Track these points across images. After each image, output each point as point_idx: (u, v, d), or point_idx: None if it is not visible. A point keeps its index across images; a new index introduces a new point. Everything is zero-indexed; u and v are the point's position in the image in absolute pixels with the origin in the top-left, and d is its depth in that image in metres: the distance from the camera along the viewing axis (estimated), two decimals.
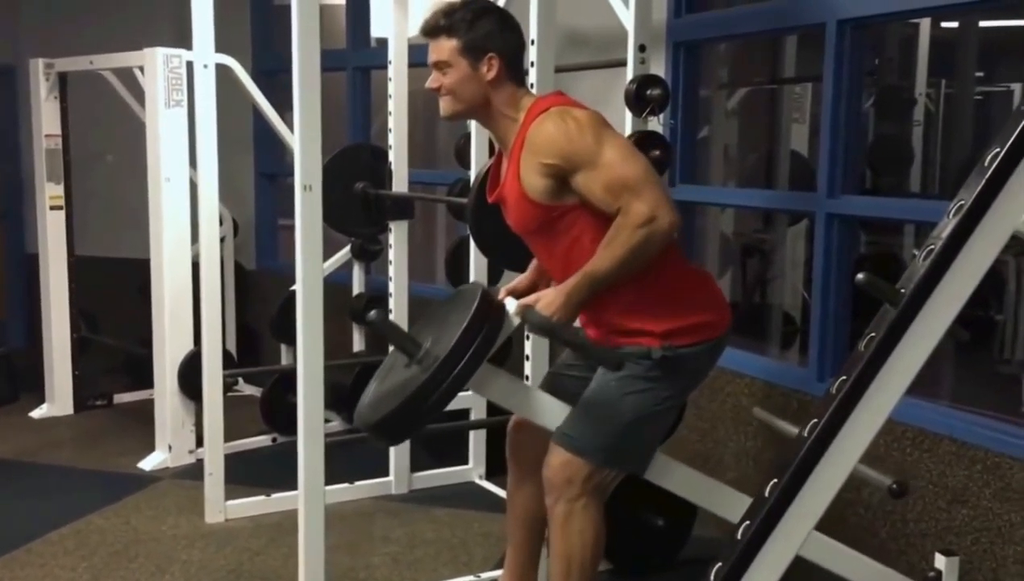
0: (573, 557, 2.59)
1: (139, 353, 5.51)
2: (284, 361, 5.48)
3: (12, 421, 5.54)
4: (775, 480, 1.83)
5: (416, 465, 4.52)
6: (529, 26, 3.34)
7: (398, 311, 4.51)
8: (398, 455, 4.45)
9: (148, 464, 4.79)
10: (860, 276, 1.83)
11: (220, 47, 4.21)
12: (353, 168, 4.60)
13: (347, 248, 5.33)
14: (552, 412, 2.62)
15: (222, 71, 4.53)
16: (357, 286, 5.44)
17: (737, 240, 6.16)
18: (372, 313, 2.46)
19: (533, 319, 2.44)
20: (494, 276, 4.40)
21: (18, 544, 3.88)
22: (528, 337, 3.27)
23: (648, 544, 3.61)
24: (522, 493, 2.91)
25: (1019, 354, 5.76)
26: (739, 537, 1.83)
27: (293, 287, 2.93)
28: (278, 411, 5.03)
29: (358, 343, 5.50)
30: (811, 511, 1.83)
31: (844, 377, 1.85)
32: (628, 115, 3.51)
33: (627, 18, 3.56)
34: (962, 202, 1.81)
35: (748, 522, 1.84)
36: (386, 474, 4.47)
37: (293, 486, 3.09)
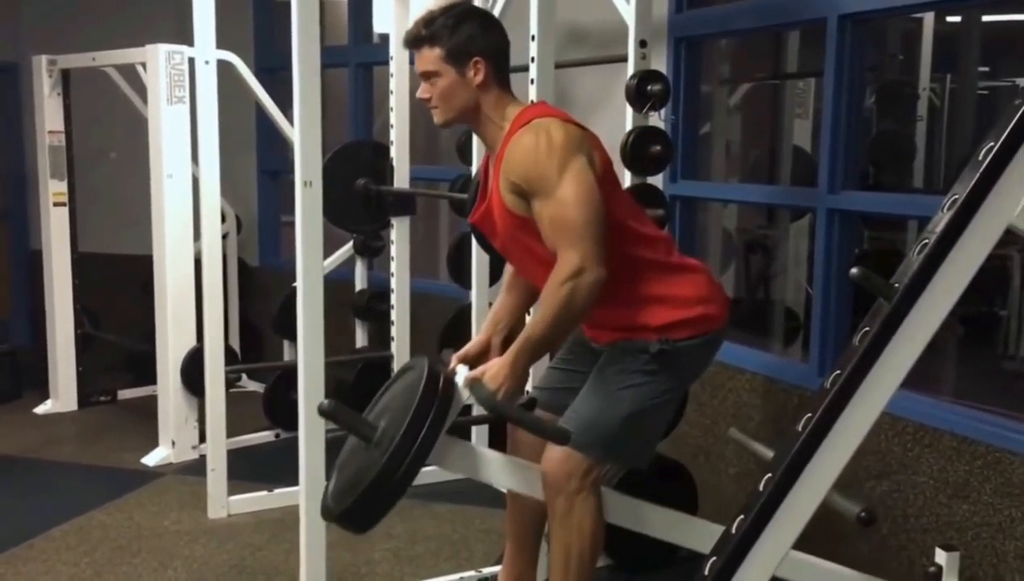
0: (572, 551, 2.59)
1: (142, 349, 5.53)
2: (287, 357, 5.49)
3: (16, 417, 5.56)
4: (769, 475, 1.84)
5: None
6: (530, 21, 3.35)
7: (400, 307, 4.51)
8: None
9: (151, 460, 4.81)
10: (854, 270, 1.83)
11: (222, 43, 4.21)
12: (355, 164, 4.60)
13: (349, 244, 5.34)
14: (516, 473, 2.62)
15: (224, 67, 4.53)
16: (360, 282, 5.46)
17: (740, 236, 6.15)
18: (323, 402, 2.40)
19: (479, 395, 2.44)
20: (496, 273, 4.41)
21: (21, 540, 3.90)
22: None
23: (649, 539, 3.60)
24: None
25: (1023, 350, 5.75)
26: (734, 532, 1.83)
27: (295, 284, 2.93)
28: (280, 407, 5.03)
29: (361, 339, 5.50)
30: (806, 505, 1.83)
31: (838, 371, 1.85)
32: (629, 111, 3.51)
33: (628, 13, 3.56)
34: (956, 196, 1.81)
35: (743, 517, 1.84)
36: None
37: (295, 482, 3.10)
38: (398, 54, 4.38)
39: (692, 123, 4.44)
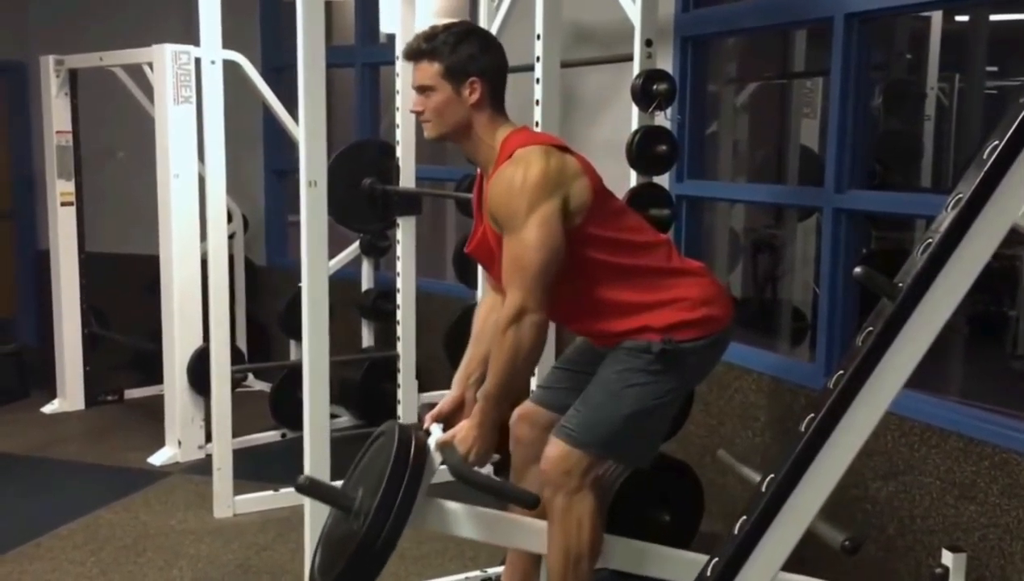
0: (571, 550, 2.58)
1: (149, 349, 5.53)
2: (293, 357, 5.49)
3: (23, 416, 5.58)
4: (772, 475, 1.83)
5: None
6: (535, 21, 3.34)
7: (406, 306, 4.51)
8: None
9: (157, 459, 4.82)
10: (858, 270, 1.82)
11: (229, 43, 4.22)
12: (361, 164, 4.61)
13: (356, 244, 5.34)
14: (500, 527, 2.63)
15: (231, 67, 4.54)
16: (366, 282, 5.46)
17: (747, 236, 6.14)
18: (300, 479, 2.38)
19: (449, 460, 2.45)
20: None
21: (28, 539, 3.91)
22: None
23: (654, 540, 3.60)
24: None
25: None
26: (736, 532, 1.82)
27: (301, 283, 2.93)
28: (287, 406, 5.03)
29: (367, 338, 5.51)
30: (809, 507, 1.82)
31: (841, 372, 1.84)
32: (635, 110, 3.50)
33: (634, 12, 3.55)
34: (960, 195, 1.80)
35: (745, 517, 1.83)
36: None
37: None
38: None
39: (698, 122, 4.43)
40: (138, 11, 6.49)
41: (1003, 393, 4.77)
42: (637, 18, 3.52)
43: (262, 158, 6.66)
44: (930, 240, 1.81)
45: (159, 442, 4.90)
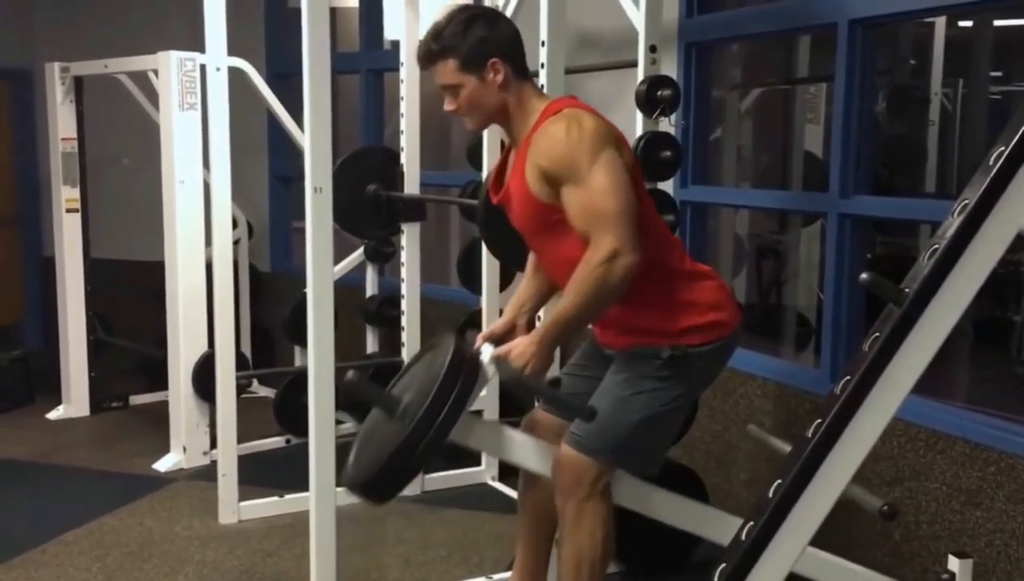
0: (583, 557, 2.59)
1: (154, 355, 5.54)
2: (298, 363, 5.49)
3: (29, 422, 5.58)
4: (779, 481, 1.83)
5: (428, 466, 4.51)
6: (540, 27, 3.35)
7: (410, 312, 4.51)
8: None
9: (163, 465, 4.82)
10: (864, 275, 1.82)
11: (234, 50, 4.22)
12: (365, 170, 4.61)
13: (360, 250, 5.35)
14: (535, 454, 2.64)
15: (236, 74, 4.55)
16: (370, 288, 5.46)
17: (752, 241, 6.14)
18: (349, 374, 2.41)
19: (505, 372, 2.48)
20: (506, 278, 4.41)
21: (33, 545, 3.91)
22: None
23: (660, 545, 3.60)
24: (533, 493, 2.91)
25: None
26: (743, 538, 1.82)
27: (306, 289, 2.94)
28: (292, 412, 5.03)
29: (372, 344, 5.51)
30: (815, 511, 1.82)
31: (848, 377, 1.84)
32: (639, 116, 3.51)
33: (638, 19, 3.56)
34: (966, 201, 1.80)
35: (752, 523, 1.83)
36: None
37: (306, 487, 3.11)
38: (409, 60, 4.39)
39: (703, 128, 4.44)
40: (143, 18, 6.51)
41: (1009, 398, 4.77)
42: (641, 24, 3.53)
43: (267, 164, 6.67)
44: (936, 246, 1.81)
45: (164, 448, 4.90)
